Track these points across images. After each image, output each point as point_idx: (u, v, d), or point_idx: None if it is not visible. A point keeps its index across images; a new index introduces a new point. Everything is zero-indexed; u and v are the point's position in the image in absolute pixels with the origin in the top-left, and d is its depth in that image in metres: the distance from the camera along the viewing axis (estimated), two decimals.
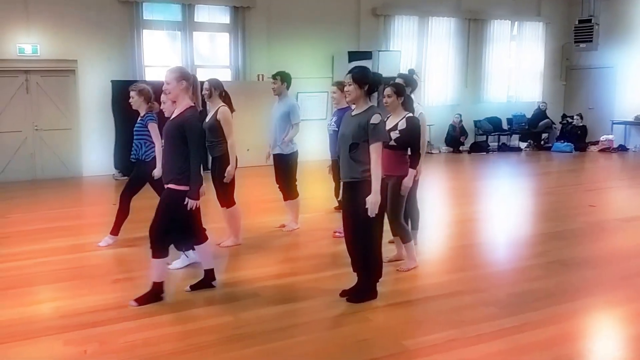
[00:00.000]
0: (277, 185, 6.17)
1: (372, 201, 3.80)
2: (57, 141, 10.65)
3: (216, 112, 5.32)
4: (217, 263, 4.82)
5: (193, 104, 4.06)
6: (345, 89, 4.01)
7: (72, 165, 10.74)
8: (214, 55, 12.40)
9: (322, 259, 5.18)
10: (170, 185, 4.02)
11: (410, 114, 4.67)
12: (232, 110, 5.43)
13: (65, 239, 6.05)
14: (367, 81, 3.92)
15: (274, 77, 6.08)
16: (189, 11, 11.63)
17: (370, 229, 3.94)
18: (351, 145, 3.90)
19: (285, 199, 6.13)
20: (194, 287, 4.38)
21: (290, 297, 4.34)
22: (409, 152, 4.70)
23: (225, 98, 5.45)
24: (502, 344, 3.42)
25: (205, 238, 4.36)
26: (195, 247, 4.48)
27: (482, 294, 4.25)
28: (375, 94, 4.16)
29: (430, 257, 5.27)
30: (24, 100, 10.46)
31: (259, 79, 12.03)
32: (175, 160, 3.97)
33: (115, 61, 10.97)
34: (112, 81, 10.62)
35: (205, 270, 4.41)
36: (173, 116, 4.06)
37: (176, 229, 4.18)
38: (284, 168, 6.08)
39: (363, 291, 4.06)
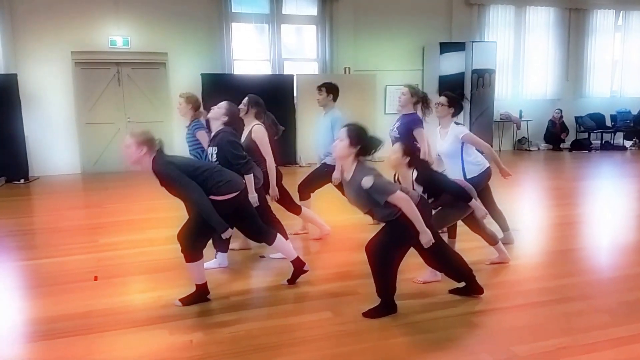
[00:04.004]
0: (299, 185, 5.75)
1: (425, 241, 3.54)
2: None
3: (250, 131, 4.90)
4: (314, 259, 4.77)
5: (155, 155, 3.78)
6: (336, 142, 3.61)
7: None
8: (300, 48, 12.21)
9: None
10: (210, 197, 3.83)
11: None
12: (276, 132, 5.06)
13: (161, 230, 5.98)
14: (361, 142, 3.53)
15: (319, 87, 5.65)
16: (277, 3, 11.53)
17: (396, 249, 3.65)
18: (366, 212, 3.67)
19: (302, 199, 5.69)
20: (290, 281, 4.33)
21: None
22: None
23: (266, 121, 5.03)
24: (617, 354, 3.18)
25: (274, 237, 4.25)
26: (270, 247, 4.42)
27: (592, 300, 3.96)
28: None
29: (533, 261, 4.96)
30: (116, 92, 10.65)
31: (345, 72, 11.77)
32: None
33: (205, 54, 11.02)
34: (202, 74, 10.62)
35: (291, 262, 4.34)
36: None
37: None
38: (321, 175, 5.65)
39: (382, 307, 3.72)
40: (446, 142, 4.84)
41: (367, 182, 3.41)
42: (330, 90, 5.59)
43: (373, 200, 3.48)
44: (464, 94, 5.28)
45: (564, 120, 13.40)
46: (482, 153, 5.01)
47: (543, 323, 3.56)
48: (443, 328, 3.50)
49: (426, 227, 3.50)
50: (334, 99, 5.63)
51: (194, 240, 3.87)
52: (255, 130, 4.85)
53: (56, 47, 10.14)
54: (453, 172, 4.74)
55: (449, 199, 4.19)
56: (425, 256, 3.90)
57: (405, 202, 3.44)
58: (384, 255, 3.60)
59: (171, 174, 3.70)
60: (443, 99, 4.87)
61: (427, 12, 12.37)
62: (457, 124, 4.88)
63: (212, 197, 3.78)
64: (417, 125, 5.29)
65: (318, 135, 5.71)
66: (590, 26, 13.76)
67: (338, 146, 3.55)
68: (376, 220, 3.77)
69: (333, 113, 5.58)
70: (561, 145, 13.47)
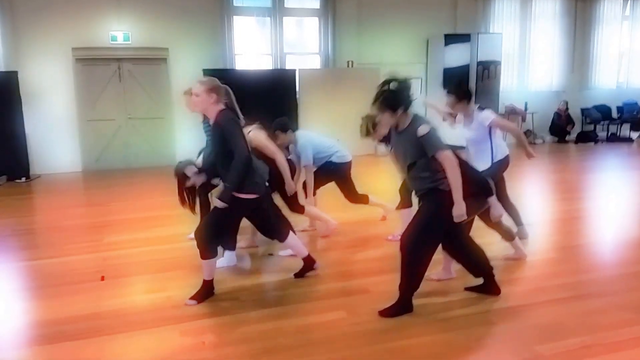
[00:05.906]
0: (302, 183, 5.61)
1: (458, 214, 3.45)
2: (150, 130, 10.65)
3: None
4: (322, 257, 4.65)
5: (224, 108, 3.80)
6: (378, 119, 3.64)
7: (165, 154, 10.64)
8: (303, 41, 12.06)
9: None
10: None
11: None
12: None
13: (167, 228, 5.91)
14: (397, 104, 3.49)
15: (275, 132, 5.26)
16: None
17: (432, 235, 3.58)
18: (409, 165, 3.56)
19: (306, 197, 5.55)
20: (297, 275, 4.34)
21: None
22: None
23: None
24: None
25: (286, 234, 4.27)
26: (282, 244, 4.44)
27: (612, 297, 3.86)
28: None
29: (548, 257, 4.85)
30: (117, 88, 10.51)
31: (348, 66, 11.62)
32: (229, 166, 3.75)
33: (206, 49, 10.87)
34: (203, 70, 10.45)
35: (302, 259, 4.36)
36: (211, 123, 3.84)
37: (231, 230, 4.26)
38: (325, 172, 5.50)
39: (400, 306, 3.64)
40: (471, 129, 4.62)
41: (424, 129, 3.41)
42: (284, 128, 5.31)
43: (421, 152, 3.45)
44: (461, 81, 5.00)
45: (570, 112, 13.24)
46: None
47: (565, 321, 3.46)
48: (463, 327, 3.40)
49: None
50: (293, 130, 5.41)
51: (209, 238, 3.84)
52: (252, 137, 4.70)
53: (57, 44, 9.99)
54: (478, 159, 4.45)
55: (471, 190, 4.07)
56: (449, 247, 3.82)
57: (451, 162, 3.40)
58: (419, 245, 3.51)
59: (232, 129, 3.70)
60: (451, 100, 4.62)
61: (432, 4, 12.18)
62: (481, 109, 4.68)
63: (234, 193, 3.73)
64: None
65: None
66: (597, 16, 13.55)
67: (382, 123, 3.64)
68: (414, 190, 3.66)
69: (297, 145, 5.37)
70: (567, 138, 13.32)
